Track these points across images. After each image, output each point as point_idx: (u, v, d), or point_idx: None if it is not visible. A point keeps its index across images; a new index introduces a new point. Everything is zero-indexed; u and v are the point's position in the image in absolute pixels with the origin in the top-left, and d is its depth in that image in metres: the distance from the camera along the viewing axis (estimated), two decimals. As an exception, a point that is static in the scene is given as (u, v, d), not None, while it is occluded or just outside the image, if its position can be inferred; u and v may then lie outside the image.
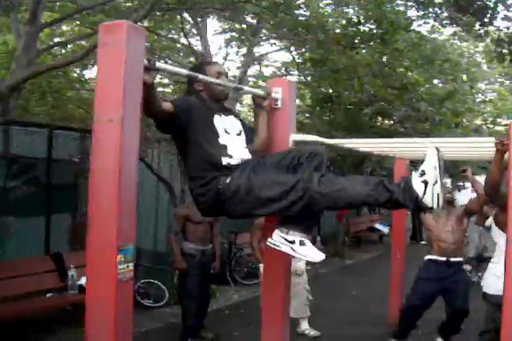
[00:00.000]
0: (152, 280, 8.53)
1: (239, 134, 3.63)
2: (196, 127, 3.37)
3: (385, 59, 12.04)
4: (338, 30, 11.38)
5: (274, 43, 18.32)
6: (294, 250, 3.33)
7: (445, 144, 5.70)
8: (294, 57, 16.74)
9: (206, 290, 7.23)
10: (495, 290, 5.12)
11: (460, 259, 6.52)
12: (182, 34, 16.04)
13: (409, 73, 11.64)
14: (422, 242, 15.78)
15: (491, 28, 10.08)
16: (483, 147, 5.73)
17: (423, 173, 2.97)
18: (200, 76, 3.33)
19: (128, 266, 2.73)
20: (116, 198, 2.65)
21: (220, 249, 7.66)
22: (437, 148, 3.01)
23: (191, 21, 15.69)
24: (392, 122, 14.72)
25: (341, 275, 11.65)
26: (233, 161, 3.39)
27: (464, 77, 18.03)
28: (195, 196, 3.46)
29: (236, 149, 3.48)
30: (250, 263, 10.76)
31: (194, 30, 16.54)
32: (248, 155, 3.53)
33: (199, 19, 14.98)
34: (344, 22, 11.29)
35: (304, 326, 7.38)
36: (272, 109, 4.03)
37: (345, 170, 13.41)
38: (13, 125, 8.28)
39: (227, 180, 3.28)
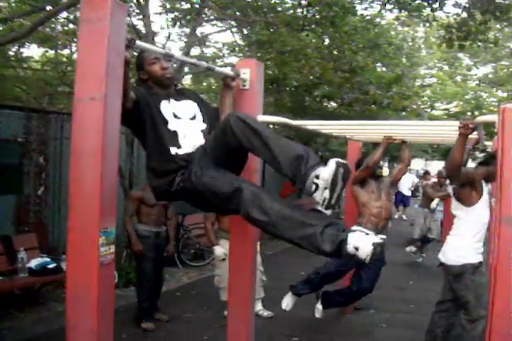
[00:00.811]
0: (101, 263, 8.40)
1: (193, 118, 3.55)
2: (147, 116, 3.32)
3: (328, 42, 12.11)
4: (287, 12, 11.36)
5: (216, 24, 18.18)
6: None
7: (400, 127, 5.82)
8: (236, 39, 16.67)
9: (160, 272, 7.19)
10: (453, 261, 5.28)
11: (385, 237, 6.58)
12: (125, 13, 15.69)
13: (358, 57, 11.71)
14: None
15: (438, 14, 10.25)
16: (435, 130, 5.86)
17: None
18: (176, 55, 3.29)
19: (109, 249, 2.69)
20: (98, 179, 2.60)
21: (173, 231, 7.64)
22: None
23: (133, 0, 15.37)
24: (336, 105, 14.87)
25: (288, 256, 11.71)
26: (182, 151, 3.33)
27: (404, 60, 18.31)
28: (152, 186, 3.45)
29: (188, 135, 3.41)
30: (197, 244, 10.76)
31: (136, 10, 16.23)
32: (202, 140, 3.44)
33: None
34: (291, 4, 11.29)
35: (258, 307, 7.40)
36: (239, 90, 4.01)
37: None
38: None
39: (181, 184, 3.25)
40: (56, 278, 7.40)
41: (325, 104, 15.58)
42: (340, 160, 2.87)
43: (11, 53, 17.71)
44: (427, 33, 28.13)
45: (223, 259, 6.91)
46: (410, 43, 22.12)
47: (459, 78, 29.99)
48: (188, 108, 3.58)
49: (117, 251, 8.79)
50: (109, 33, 2.59)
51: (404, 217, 20.70)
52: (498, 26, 17.46)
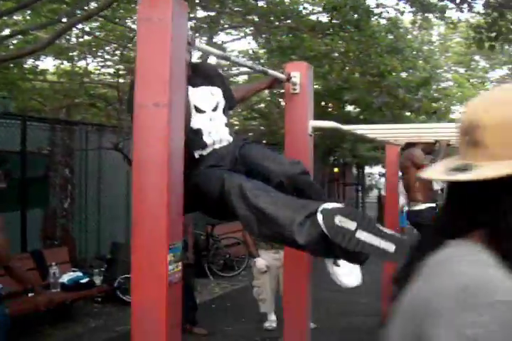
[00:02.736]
0: (133, 276, 8.19)
1: (215, 109, 3.09)
2: None
3: (353, 46, 11.91)
4: (312, 17, 11.19)
5: (230, 33, 18.05)
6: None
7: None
8: (252, 47, 16.58)
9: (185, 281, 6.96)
10: None
11: None
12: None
13: (385, 60, 11.49)
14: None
15: (463, 15, 10.07)
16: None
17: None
18: (233, 58, 3.09)
19: (177, 266, 2.47)
20: (165, 191, 2.38)
21: (192, 239, 7.38)
22: None
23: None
24: (359, 110, 14.71)
25: (321, 266, 11.50)
26: (205, 152, 2.96)
27: (422, 64, 18.08)
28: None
29: (213, 131, 2.99)
30: (227, 254, 10.58)
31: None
32: (228, 137, 3.04)
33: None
34: (316, 8, 11.14)
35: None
36: (289, 94, 3.82)
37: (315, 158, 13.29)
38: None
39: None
40: (90, 292, 7.24)
41: (348, 109, 15.42)
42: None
43: (27, 66, 17.67)
44: (443, 35, 27.96)
45: (265, 271, 6.70)
46: (427, 47, 21.91)
47: (474, 81, 29.71)
48: (210, 96, 3.11)
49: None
50: (171, 34, 2.39)
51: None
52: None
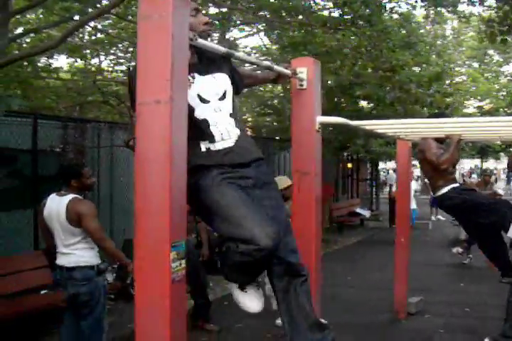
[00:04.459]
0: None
1: (222, 97, 2.95)
2: None
3: (365, 41, 11.85)
4: (324, 12, 11.16)
5: (243, 29, 18.03)
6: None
7: (459, 124, 5.58)
8: (265, 42, 16.54)
9: (197, 279, 6.92)
10: None
11: None
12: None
13: (398, 55, 11.42)
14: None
15: (474, 9, 10.01)
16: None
17: None
18: (237, 53, 3.06)
19: (181, 264, 2.46)
20: (167, 189, 2.37)
21: (206, 235, 7.50)
22: None
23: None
24: (373, 105, 14.64)
25: (331, 262, 11.45)
26: (214, 146, 2.86)
27: (435, 58, 18.04)
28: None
29: (219, 122, 2.88)
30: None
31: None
32: (235, 130, 2.92)
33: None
34: (326, 3, 11.12)
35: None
36: (296, 90, 3.79)
37: (328, 154, 13.24)
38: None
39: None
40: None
41: (361, 104, 15.36)
42: None
43: (40, 65, 17.69)
44: (456, 30, 27.81)
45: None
46: (440, 41, 21.80)
47: (489, 75, 29.56)
48: (217, 84, 2.95)
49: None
50: (172, 31, 2.37)
51: (440, 217, 20.19)
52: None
